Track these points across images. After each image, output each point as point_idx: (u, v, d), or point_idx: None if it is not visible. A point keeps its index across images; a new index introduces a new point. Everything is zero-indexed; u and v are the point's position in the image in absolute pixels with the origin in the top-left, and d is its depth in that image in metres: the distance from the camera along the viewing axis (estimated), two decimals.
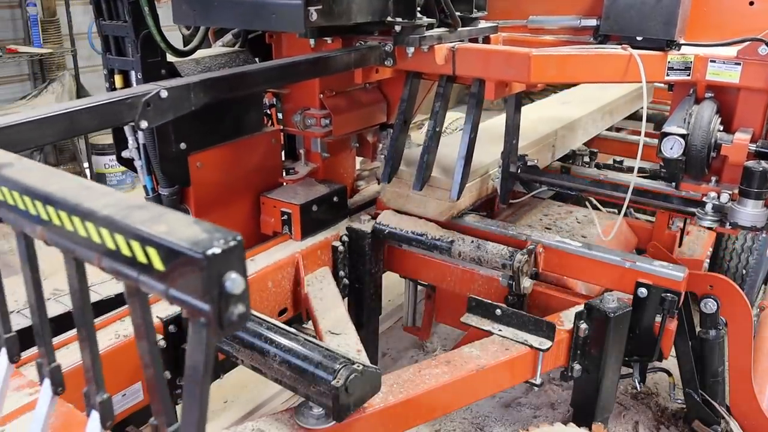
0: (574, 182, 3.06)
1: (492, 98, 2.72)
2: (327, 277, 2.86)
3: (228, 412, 3.36)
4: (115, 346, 2.12)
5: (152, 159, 2.56)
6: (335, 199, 3.03)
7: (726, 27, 2.75)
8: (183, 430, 0.92)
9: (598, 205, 3.04)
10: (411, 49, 2.65)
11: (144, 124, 1.78)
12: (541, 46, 2.91)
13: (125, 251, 0.86)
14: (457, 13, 2.75)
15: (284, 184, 3.07)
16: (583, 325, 2.49)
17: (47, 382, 1.21)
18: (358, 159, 3.52)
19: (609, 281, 2.63)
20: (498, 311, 2.55)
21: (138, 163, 2.61)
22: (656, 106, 4.65)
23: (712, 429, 2.97)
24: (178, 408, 1.04)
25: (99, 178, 6.96)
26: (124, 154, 2.63)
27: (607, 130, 4.47)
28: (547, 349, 2.42)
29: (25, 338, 1.46)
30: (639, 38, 2.69)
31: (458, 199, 2.82)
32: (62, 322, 1.97)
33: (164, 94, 1.83)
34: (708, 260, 3.81)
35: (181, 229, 0.83)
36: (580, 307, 2.54)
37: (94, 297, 2.56)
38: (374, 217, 3.03)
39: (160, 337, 2.22)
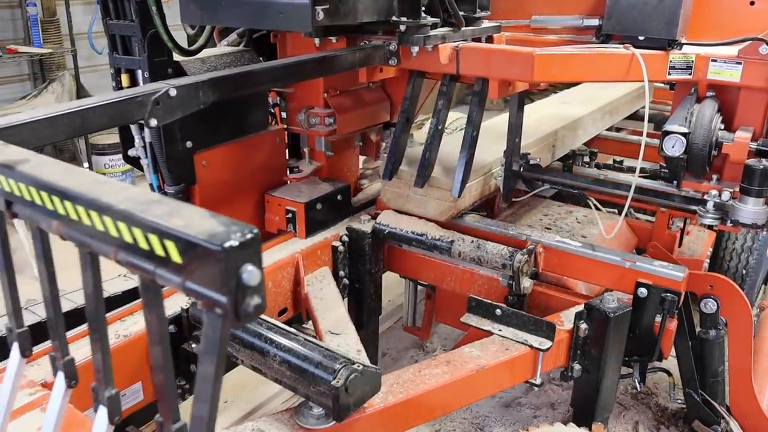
0: (576, 181, 3.07)
1: (495, 97, 2.74)
2: (327, 277, 2.86)
3: (228, 412, 3.36)
4: (115, 346, 2.13)
5: (158, 157, 2.57)
6: (339, 197, 3.05)
7: (727, 27, 2.77)
8: (194, 420, 0.93)
9: (598, 205, 3.05)
10: (415, 49, 2.66)
11: (153, 122, 1.80)
12: (544, 46, 2.94)
13: (143, 244, 0.88)
14: (461, 13, 2.77)
15: (288, 182, 3.09)
16: (583, 325, 2.50)
17: (61, 375, 1.22)
18: (361, 158, 3.54)
19: (609, 281, 2.64)
20: (498, 311, 2.55)
21: (144, 162, 2.63)
22: (656, 106, 4.66)
23: (712, 429, 2.97)
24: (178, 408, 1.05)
25: None
26: (131, 152, 2.65)
27: (607, 130, 4.47)
28: (547, 349, 2.42)
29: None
30: (641, 38, 2.71)
31: (459, 196, 2.83)
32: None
33: (173, 92, 1.85)
34: (708, 260, 3.81)
35: (199, 222, 0.84)
36: (580, 307, 2.54)
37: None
38: (374, 217, 3.04)
39: None
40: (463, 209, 3.00)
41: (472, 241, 2.77)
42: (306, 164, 3.14)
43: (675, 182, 2.78)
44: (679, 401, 3.14)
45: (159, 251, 0.86)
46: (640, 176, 2.81)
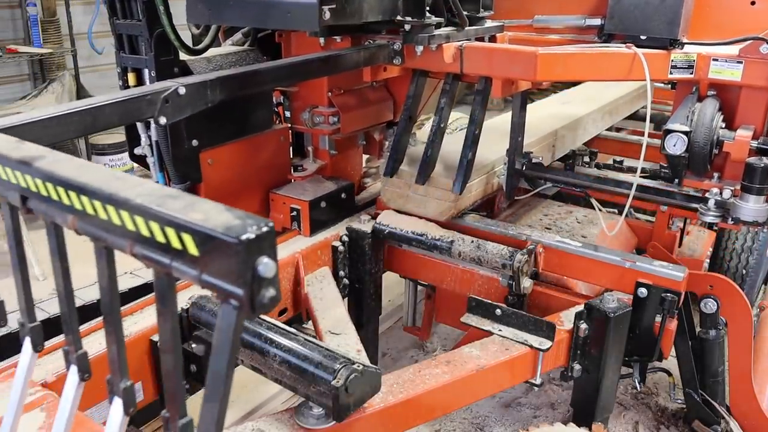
0: (578, 179, 3.08)
1: (499, 96, 2.76)
2: (327, 277, 2.86)
3: (228, 411, 3.31)
4: None
5: (165, 156, 2.59)
6: (343, 195, 3.07)
7: (728, 26, 2.78)
8: (205, 411, 0.94)
9: (598, 205, 3.06)
10: (420, 48, 2.68)
11: (163, 120, 1.82)
12: (546, 45, 2.93)
13: (159, 238, 0.89)
14: (465, 13, 2.79)
15: (293, 180, 3.10)
16: (583, 325, 2.49)
17: (74, 368, 1.23)
18: (364, 157, 3.56)
19: (609, 281, 2.63)
20: (498, 311, 2.55)
21: (150, 160, 2.64)
22: (656, 106, 4.65)
23: (712, 429, 2.97)
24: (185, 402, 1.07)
25: None
26: (137, 151, 2.66)
27: (606, 130, 4.48)
28: (547, 349, 2.41)
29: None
30: (643, 37, 2.73)
31: (461, 194, 2.84)
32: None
33: (182, 90, 1.86)
34: (708, 260, 3.81)
35: (216, 216, 0.86)
36: (580, 307, 2.54)
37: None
38: (374, 217, 3.03)
39: None
40: (464, 209, 3.00)
41: (472, 241, 2.76)
42: (310, 163, 3.16)
43: (676, 181, 2.79)
44: (679, 401, 3.14)
45: (176, 244, 0.88)
46: (640, 176, 2.82)
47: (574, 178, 3.09)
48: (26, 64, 7.34)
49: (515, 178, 3.12)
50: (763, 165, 2.49)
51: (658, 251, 3.42)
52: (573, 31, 3.10)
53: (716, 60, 2.60)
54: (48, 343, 1.73)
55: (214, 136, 2.73)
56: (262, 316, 2.24)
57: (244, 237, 0.81)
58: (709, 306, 2.73)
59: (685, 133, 2.57)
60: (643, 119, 3.96)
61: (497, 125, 3.59)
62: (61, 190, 1.02)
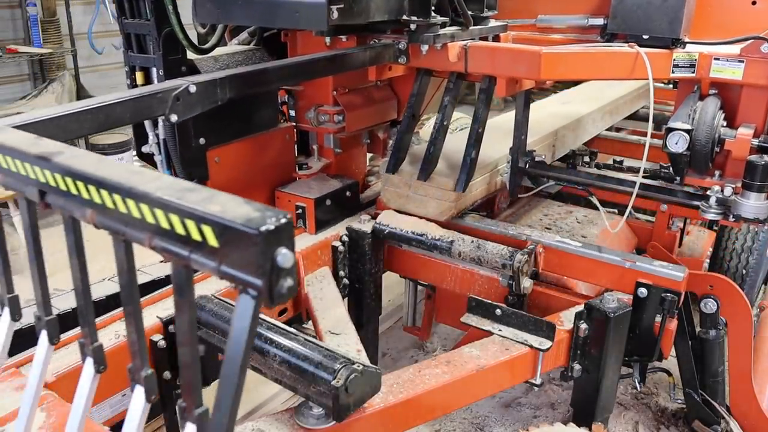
0: (581, 177, 3.08)
1: (503, 95, 2.77)
2: (327, 277, 2.85)
3: None
4: (116, 346, 2.12)
5: (172, 154, 2.60)
6: (348, 193, 3.08)
7: (729, 26, 2.79)
8: (219, 402, 0.95)
9: (598, 205, 3.07)
10: (425, 47, 2.70)
11: (174, 117, 1.83)
12: (550, 45, 2.95)
13: (179, 230, 0.91)
14: (469, 12, 2.81)
15: (298, 179, 3.12)
16: (583, 325, 2.49)
17: (90, 360, 1.25)
18: (368, 155, 3.57)
19: (609, 281, 2.63)
20: (498, 311, 2.54)
21: (158, 158, 2.66)
22: (656, 106, 4.65)
23: (712, 429, 2.97)
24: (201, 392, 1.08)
25: None
26: (144, 149, 2.67)
27: (606, 130, 4.48)
28: (547, 349, 2.41)
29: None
30: (645, 37, 2.73)
31: (464, 191, 2.84)
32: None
33: (193, 89, 1.88)
34: (708, 260, 3.81)
35: (235, 208, 0.88)
36: (580, 307, 2.54)
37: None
38: (374, 217, 3.03)
39: (160, 336, 2.23)
40: (464, 209, 3.01)
41: (472, 241, 2.76)
42: (315, 161, 3.18)
43: (677, 179, 2.80)
44: (679, 401, 3.15)
45: (196, 236, 0.89)
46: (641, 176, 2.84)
47: (577, 176, 3.10)
48: (26, 64, 7.36)
49: (518, 176, 3.13)
50: (763, 163, 2.49)
51: (658, 251, 3.42)
52: (576, 31, 3.11)
53: (718, 59, 2.61)
54: None
55: (221, 134, 2.74)
56: (262, 316, 2.23)
57: (263, 228, 0.83)
58: (709, 306, 2.73)
59: (687, 131, 2.57)
60: (643, 119, 3.97)
61: (498, 124, 3.60)
62: (80, 184, 1.03)
